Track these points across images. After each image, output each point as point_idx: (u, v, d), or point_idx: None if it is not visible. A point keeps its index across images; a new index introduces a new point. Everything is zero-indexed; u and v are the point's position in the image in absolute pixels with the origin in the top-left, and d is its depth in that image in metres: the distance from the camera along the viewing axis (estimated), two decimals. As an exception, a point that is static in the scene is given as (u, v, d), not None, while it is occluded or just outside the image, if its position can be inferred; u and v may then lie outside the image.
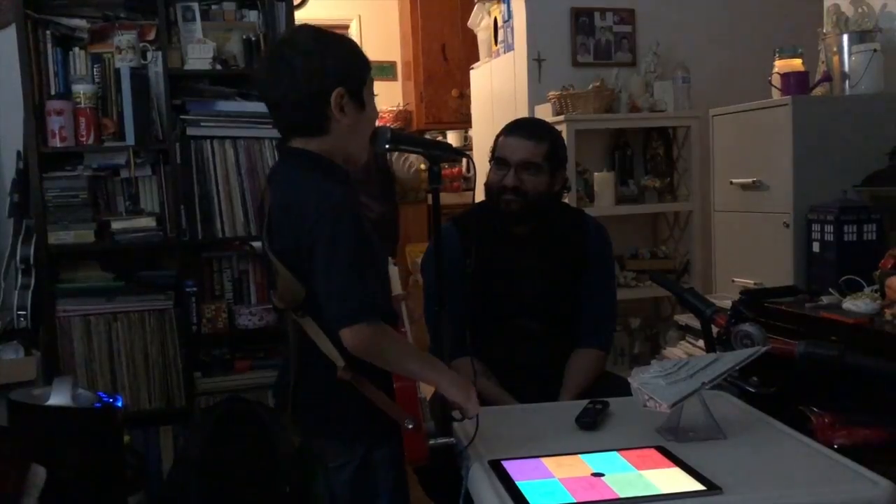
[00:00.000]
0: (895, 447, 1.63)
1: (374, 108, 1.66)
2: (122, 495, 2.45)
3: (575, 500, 1.25)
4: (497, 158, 2.20)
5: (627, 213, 3.68)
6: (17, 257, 2.74)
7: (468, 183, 5.78)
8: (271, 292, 1.64)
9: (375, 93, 1.70)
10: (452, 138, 5.94)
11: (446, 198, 5.51)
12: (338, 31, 1.73)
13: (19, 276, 2.74)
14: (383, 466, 1.64)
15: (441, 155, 1.59)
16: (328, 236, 1.49)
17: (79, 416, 2.32)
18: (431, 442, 1.56)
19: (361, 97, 1.61)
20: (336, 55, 1.59)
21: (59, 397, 2.30)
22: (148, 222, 2.79)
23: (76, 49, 2.80)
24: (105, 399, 2.43)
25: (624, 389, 1.65)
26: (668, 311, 3.73)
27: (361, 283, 1.49)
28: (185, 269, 2.83)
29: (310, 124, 1.58)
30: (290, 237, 1.55)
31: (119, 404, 2.47)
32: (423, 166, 4.72)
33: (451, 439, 1.57)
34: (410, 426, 1.52)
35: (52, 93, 2.77)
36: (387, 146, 1.52)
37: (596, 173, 3.61)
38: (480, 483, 1.36)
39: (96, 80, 2.80)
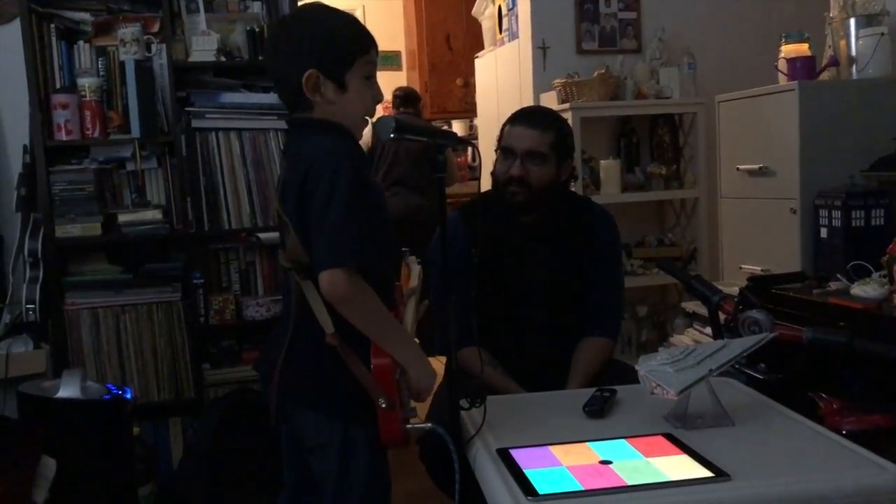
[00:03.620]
0: (903, 432, 1.63)
1: (364, 90, 1.62)
2: (132, 487, 2.47)
3: (583, 488, 1.25)
4: (503, 148, 2.20)
5: (634, 201, 3.67)
6: (25, 251, 2.75)
7: (473, 172, 5.78)
8: (280, 252, 1.65)
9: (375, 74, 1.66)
10: (457, 128, 5.93)
11: (451, 188, 5.54)
12: (344, 11, 1.70)
13: (27, 269, 2.75)
14: (361, 448, 1.61)
15: (445, 143, 1.58)
16: (326, 185, 1.50)
17: (88, 409, 2.33)
18: (409, 426, 1.56)
19: (342, 78, 1.58)
20: (315, 35, 1.58)
21: (68, 390, 2.31)
22: (154, 215, 2.79)
23: (80, 42, 2.79)
24: (114, 391, 2.45)
25: (631, 377, 1.64)
26: (676, 299, 3.73)
27: (349, 231, 1.48)
28: (192, 261, 2.84)
29: (295, 101, 1.61)
30: (295, 191, 1.56)
31: (128, 396, 2.48)
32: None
33: (429, 424, 1.58)
34: (384, 405, 1.52)
35: (58, 86, 2.77)
36: (391, 135, 1.51)
37: (602, 161, 3.61)
38: (488, 471, 1.36)
39: (101, 73, 2.79)
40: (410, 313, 1.76)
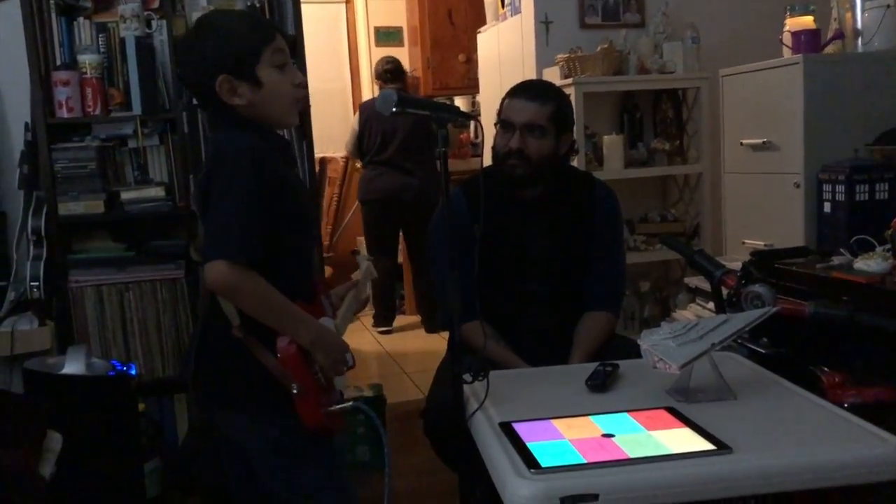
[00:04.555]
0: (905, 405, 1.64)
1: (280, 79, 1.61)
2: (137, 462, 2.49)
3: (585, 461, 1.26)
4: (502, 121, 2.19)
5: (637, 177, 3.65)
6: (29, 229, 2.75)
7: (476, 149, 5.76)
8: (191, 246, 1.68)
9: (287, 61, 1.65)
10: (460, 104, 5.89)
11: (453, 164, 5.53)
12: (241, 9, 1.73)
13: (31, 247, 2.76)
14: (289, 438, 1.60)
15: (448, 117, 1.57)
16: (223, 180, 1.50)
17: (93, 385, 2.35)
18: (330, 409, 1.57)
19: (255, 75, 1.58)
20: (215, 43, 1.58)
21: (73, 366, 2.33)
22: (157, 192, 2.79)
23: (80, 19, 2.78)
24: (119, 367, 2.46)
25: (634, 352, 1.65)
26: (678, 275, 3.73)
27: (238, 224, 1.47)
28: (194, 237, 2.84)
29: (217, 107, 1.61)
30: (200, 187, 1.59)
31: (133, 372, 2.49)
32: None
33: (350, 403, 1.61)
34: (296, 391, 1.52)
35: (58, 63, 2.76)
36: (393, 109, 1.50)
37: (605, 136, 3.59)
38: (490, 444, 1.37)
39: (101, 49, 2.78)
40: (347, 305, 1.76)
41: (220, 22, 1.63)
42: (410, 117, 4.40)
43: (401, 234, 4.97)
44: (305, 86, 1.68)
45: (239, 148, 1.54)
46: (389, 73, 4.85)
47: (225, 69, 1.57)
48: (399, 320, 5.23)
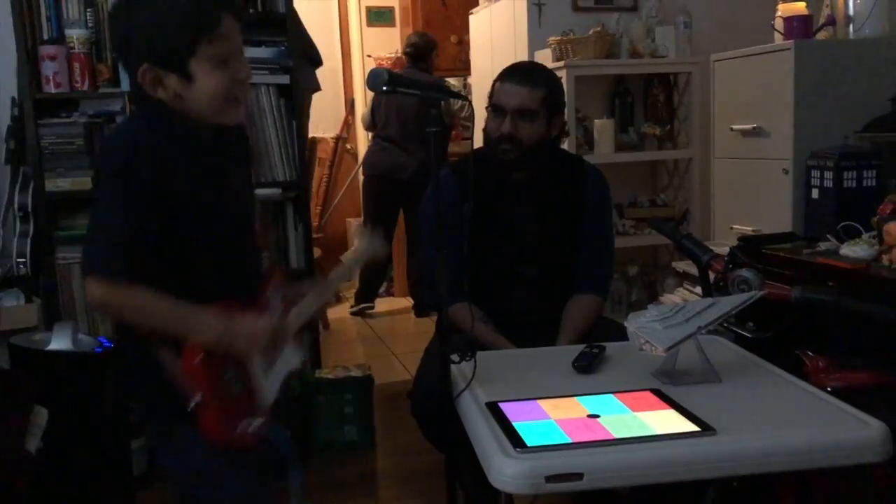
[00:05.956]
0: (886, 389, 1.66)
1: (217, 75, 1.40)
2: (125, 439, 2.49)
3: (570, 440, 1.27)
4: (493, 105, 2.18)
5: (627, 161, 3.65)
6: (15, 205, 2.74)
7: (466, 131, 5.75)
8: None
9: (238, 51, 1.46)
10: (452, 85, 5.88)
11: (456, 145, 5.51)
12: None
13: (18, 223, 2.74)
14: (200, 455, 1.45)
15: (439, 97, 1.57)
16: (96, 184, 1.40)
17: (80, 361, 2.34)
18: (240, 429, 1.42)
19: (186, 69, 1.38)
20: (142, 24, 1.37)
21: (59, 342, 2.32)
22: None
23: (68, -8, 2.75)
24: (106, 344, 2.45)
25: (621, 334, 1.66)
26: (667, 259, 3.75)
27: (104, 237, 1.35)
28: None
29: (139, 95, 1.43)
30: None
31: (120, 350, 2.49)
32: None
33: (260, 420, 1.45)
34: (193, 404, 1.36)
35: (45, 38, 2.73)
36: (384, 88, 1.49)
37: (596, 120, 3.59)
38: (477, 423, 1.37)
39: (89, 24, 2.75)
40: (305, 302, 1.59)
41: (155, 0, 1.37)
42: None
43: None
44: (248, 80, 1.49)
45: (115, 147, 1.39)
46: (410, 55, 4.82)
47: (151, 59, 1.38)
48: (389, 302, 5.24)
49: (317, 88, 4.04)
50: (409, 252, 5.02)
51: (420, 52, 4.80)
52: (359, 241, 1.75)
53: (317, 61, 4.43)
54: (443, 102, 4.47)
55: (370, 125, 4.93)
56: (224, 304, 1.41)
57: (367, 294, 5.03)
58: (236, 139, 1.60)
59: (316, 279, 1.71)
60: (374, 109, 4.81)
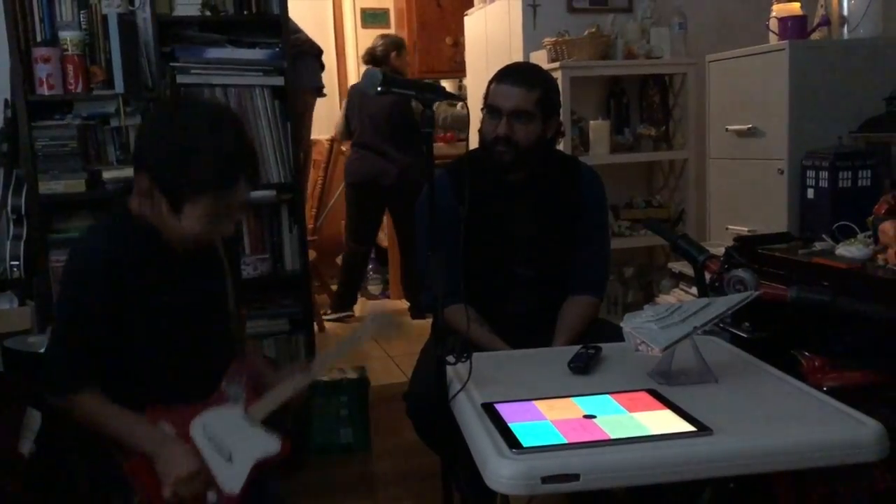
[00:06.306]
0: (882, 389, 1.66)
1: (203, 226, 1.44)
2: (119, 442, 2.48)
3: (566, 441, 1.27)
4: (489, 106, 2.18)
5: (623, 162, 3.65)
6: (9, 207, 2.72)
7: (460, 133, 5.74)
8: None
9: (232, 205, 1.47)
10: (447, 87, 5.88)
11: (440, 149, 5.51)
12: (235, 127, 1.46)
13: (11, 226, 2.72)
14: None
15: (434, 98, 1.56)
16: (56, 298, 1.51)
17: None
18: None
19: (179, 204, 1.42)
20: (163, 145, 1.42)
21: (53, 345, 2.31)
22: (140, 171, 2.76)
23: (61, -6, 2.74)
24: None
25: (617, 335, 1.65)
26: (663, 260, 3.74)
27: (60, 354, 1.48)
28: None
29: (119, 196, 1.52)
30: None
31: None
32: (441, 108, 4.68)
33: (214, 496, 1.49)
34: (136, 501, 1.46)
35: (38, 40, 2.72)
36: (378, 89, 1.49)
37: (591, 122, 3.59)
38: (472, 424, 1.37)
39: (83, 26, 2.74)
40: (274, 393, 1.62)
41: (192, 128, 1.41)
42: (388, 100, 4.38)
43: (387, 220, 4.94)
44: (232, 232, 1.53)
45: (72, 270, 1.47)
46: (366, 62, 4.76)
47: (155, 178, 1.41)
48: (385, 304, 5.23)
49: (320, 86, 4.03)
50: (402, 255, 5.01)
51: (374, 58, 4.75)
52: (370, 322, 1.71)
53: (321, 62, 4.43)
54: (414, 105, 4.51)
55: (345, 134, 4.89)
56: (166, 411, 1.48)
57: (345, 300, 4.97)
58: (214, 253, 1.61)
59: (299, 365, 1.70)
60: (349, 118, 4.78)
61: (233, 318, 1.70)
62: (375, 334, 1.68)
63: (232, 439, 1.54)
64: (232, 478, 1.51)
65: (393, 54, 4.75)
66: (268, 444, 1.57)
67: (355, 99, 4.72)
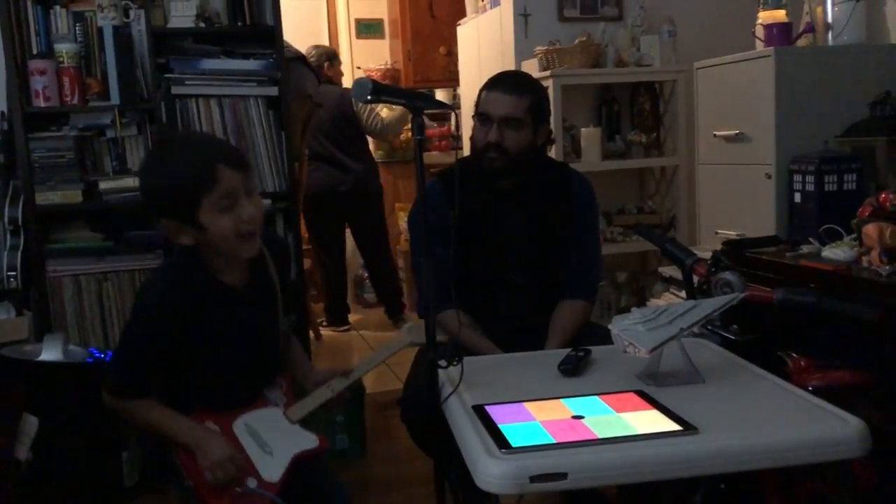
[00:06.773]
0: (865, 388, 1.68)
1: (224, 221, 1.55)
2: (115, 450, 2.49)
3: (554, 441, 1.29)
4: (480, 114, 2.21)
5: (614, 169, 3.69)
6: (6, 218, 2.75)
7: (456, 142, 5.77)
8: None
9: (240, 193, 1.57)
10: (441, 97, 5.91)
11: (433, 157, 5.54)
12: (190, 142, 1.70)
13: (8, 236, 2.75)
14: None
15: (424, 106, 1.59)
16: (125, 324, 1.70)
17: (70, 371, 2.35)
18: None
19: (196, 221, 1.55)
20: (154, 190, 1.59)
21: (50, 353, 2.33)
22: (135, 182, 2.78)
23: (57, 7, 2.77)
24: (97, 355, 2.46)
25: (607, 338, 1.67)
26: (655, 265, 3.77)
27: (121, 361, 1.67)
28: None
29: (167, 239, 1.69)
30: None
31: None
32: (384, 113, 4.72)
33: (254, 482, 1.60)
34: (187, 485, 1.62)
35: (34, 52, 2.75)
36: (369, 97, 1.52)
37: (583, 129, 3.62)
38: (463, 426, 1.39)
39: (79, 38, 2.78)
40: (312, 396, 1.76)
41: (160, 165, 1.59)
42: (332, 107, 4.44)
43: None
44: (257, 215, 1.61)
45: (141, 305, 1.64)
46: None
47: (166, 215, 1.58)
48: (379, 312, 5.24)
49: (307, 93, 4.03)
50: (368, 263, 4.99)
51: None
52: (407, 331, 1.80)
53: (313, 69, 4.44)
54: (356, 111, 4.54)
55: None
56: (213, 413, 1.66)
57: (336, 315, 4.98)
58: (266, 286, 1.75)
59: (340, 369, 1.80)
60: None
61: (282, 336, 1.84)
62: (413, 343, 1.77)
63: (271, 435, 1.67)
64: (272, 467, 1.64)
65: (326, 64, 4.79)
66: (306, 441, 1.70)
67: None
